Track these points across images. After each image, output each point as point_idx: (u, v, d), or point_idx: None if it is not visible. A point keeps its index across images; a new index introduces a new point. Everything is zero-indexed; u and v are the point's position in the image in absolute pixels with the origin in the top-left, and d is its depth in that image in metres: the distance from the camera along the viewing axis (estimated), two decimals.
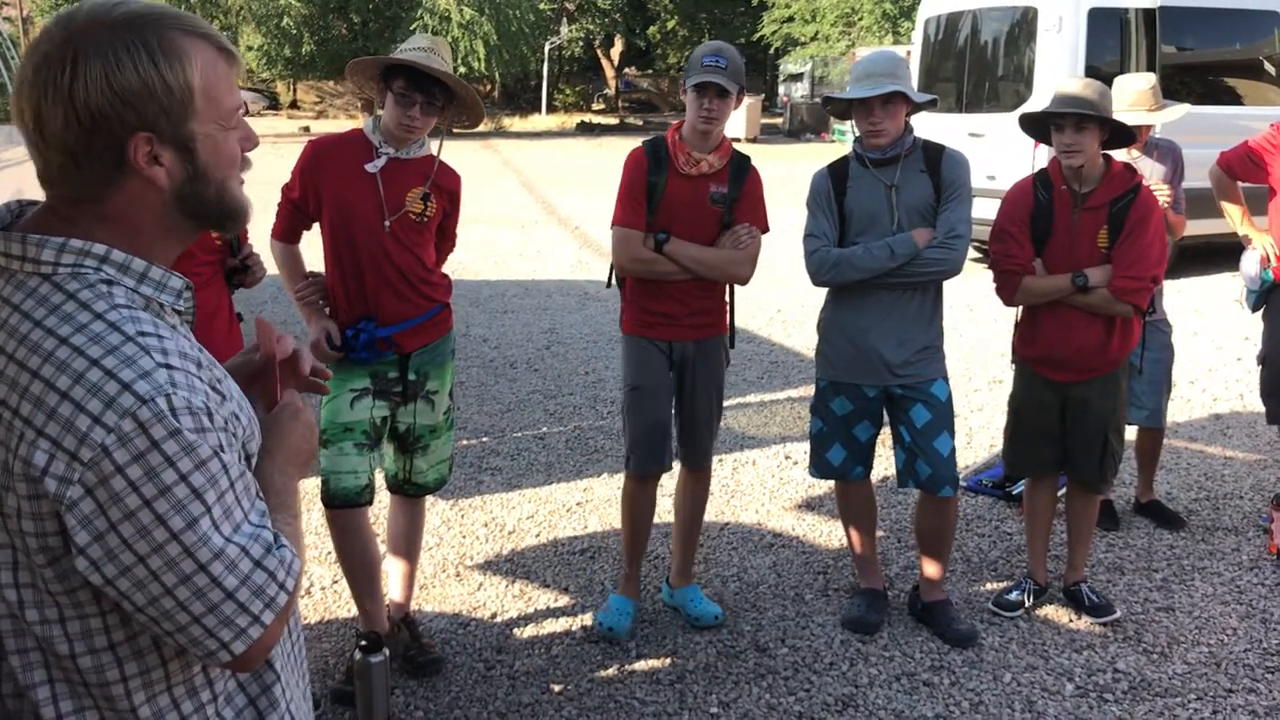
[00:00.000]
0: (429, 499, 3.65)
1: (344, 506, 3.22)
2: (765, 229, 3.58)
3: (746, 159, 3.59)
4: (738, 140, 30.24)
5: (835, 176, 3.59)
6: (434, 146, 3.33)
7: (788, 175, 17.79)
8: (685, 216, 3.47)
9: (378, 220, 3.16)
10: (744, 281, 3.58)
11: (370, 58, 3.27)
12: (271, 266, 3.42)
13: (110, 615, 1.23)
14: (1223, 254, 9.99)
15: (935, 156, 3.51)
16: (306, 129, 30.40)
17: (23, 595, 1.22)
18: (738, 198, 3.51)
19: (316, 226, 3.30)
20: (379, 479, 3.48)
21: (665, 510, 4.75)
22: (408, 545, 3.53)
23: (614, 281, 3.71)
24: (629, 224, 3.50)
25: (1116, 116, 3.63)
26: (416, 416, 3.33)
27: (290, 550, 1.28)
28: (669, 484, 5.00)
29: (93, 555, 1.16)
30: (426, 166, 3.27)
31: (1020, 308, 3.78)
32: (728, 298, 3.68)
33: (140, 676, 1.26)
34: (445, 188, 3.33)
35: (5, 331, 1.20)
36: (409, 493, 3.46)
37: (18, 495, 1.17)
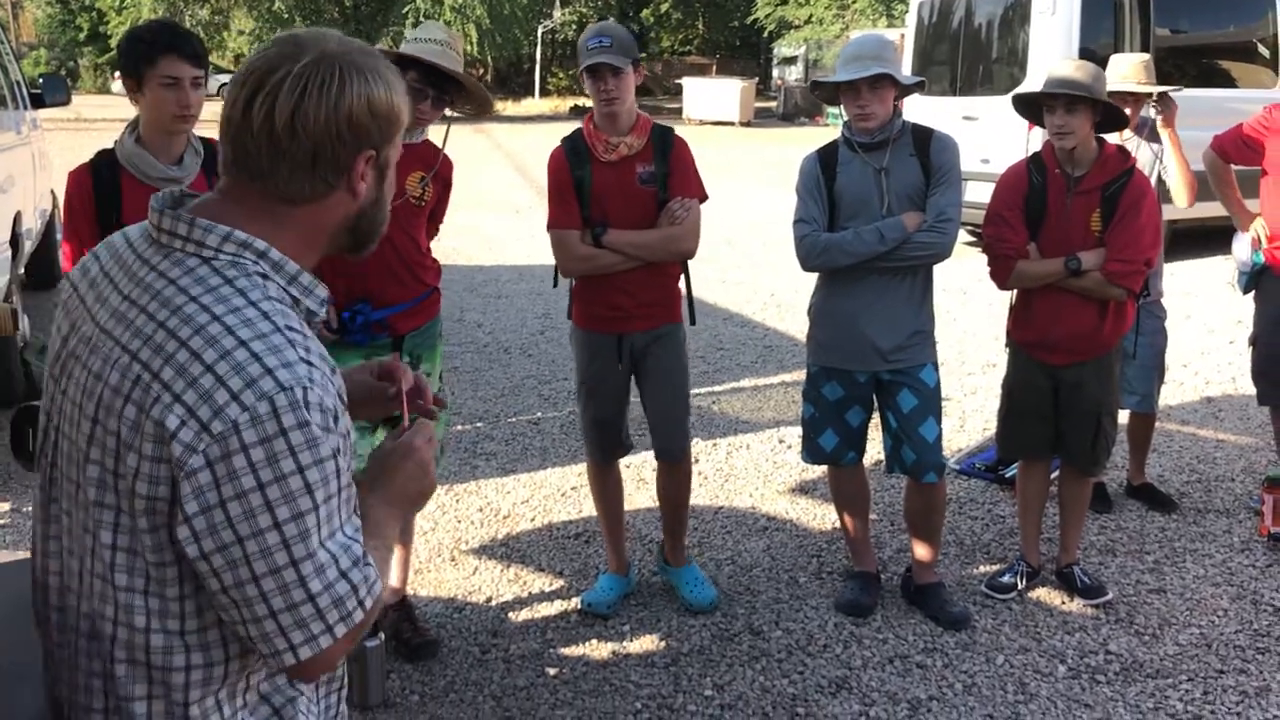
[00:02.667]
0: None
1: None
2: (702, 197, 3.54)
3: (669, 131, 3.55)
4: (731, 124, 30.09)
5: (824, 161, 3.58)
6: (430, 132, 3.34)
7: (781, 159, 17.78)
8: (619, 204, 3.45)
9: None
10: (689, 255, 3.55)
11: (388, 51, 3.26)
12: None
13: (187, 601, 1.28)
14: (1215, 237, 10.01)
15: (924, 140, 3.50)
16: None
17: (117, 558, 1.26)
18: (668, 172, 3.47)
19: None
20: None
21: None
22: (402, 530, 3.54)
23: (558, 282, 3.73)
24: (563, 224, 3.49)
25: (1109, 88, 3.62)
26: None
27: (375, 570, 1.30)
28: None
29: (196, 526, 1.19)
30: (426, 151, 3.28)
31: (1015, 291, 3.79)
32: (682, 281, 3.66)
33: (202, 669, 1.30)
34: (440, 174, 3.33)
35: (159, 301, 1.25)
36: None
37: (140, 455, 1.21)
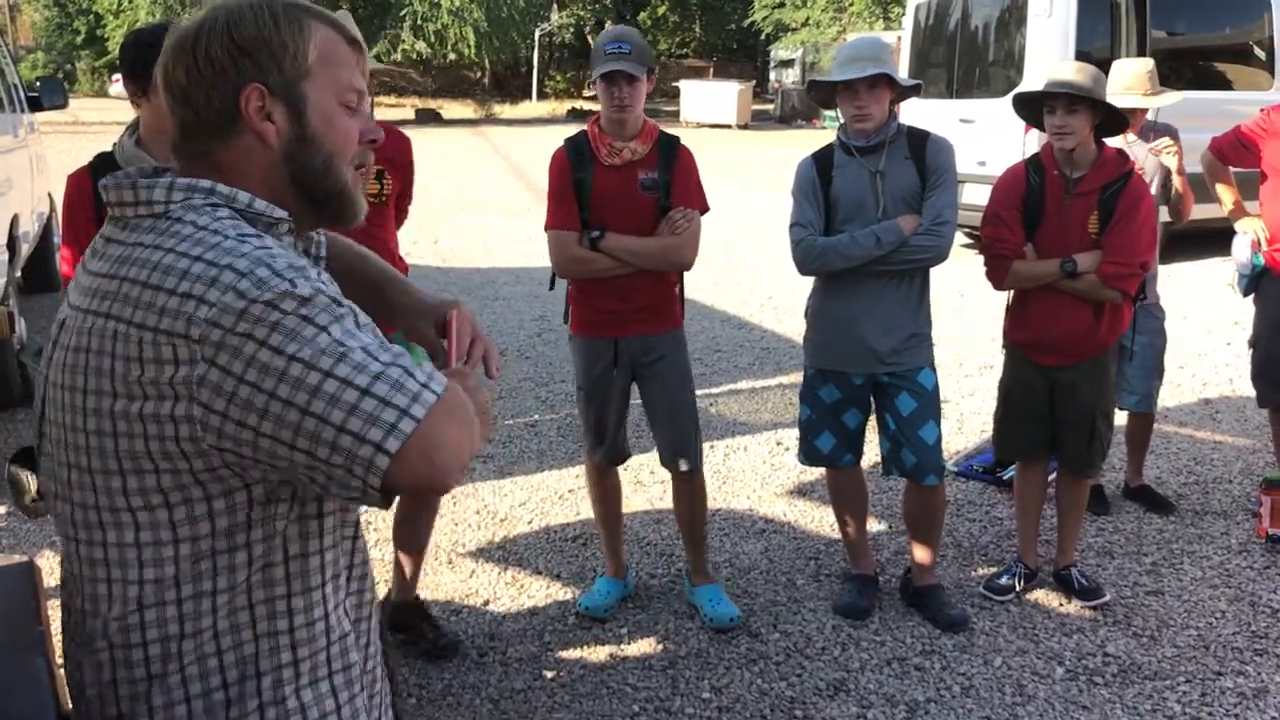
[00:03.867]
0: None
1: None
2: (704, 209, 3.51)
3: (675, 139, 3.52)
4: (729, 127, 30.02)
5: (821, 164, 3.58)
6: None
7: (779, 161, 17.78)
8: (618, 209, 3.42)
9: None
10: (687, 266, 3.51)
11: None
12: None
13: (182, 545, 1.26)
14: (1212, 239, 10.02)
15: (920, 143, 3.50)
16: None
17: (139, 519, 1.26)
18: (670, 181, 3.45)
19: None
20: None
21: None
22: (416, 537, 3.52)
23: (555, 284, 3.72)
24: (561, 225, 3.46)
25: (1111, 99, 3.63)
26: None
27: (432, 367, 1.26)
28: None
29: (234, 415, 1.18)
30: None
31: (1011, 292, 3.80)
32: (678, 289, 3.64)
33: (230, 635, 1.30)
34: (397, 161, 3.31)
35: (119, 263, 1.26)
36: None
37: (145, 398, 1.21)
